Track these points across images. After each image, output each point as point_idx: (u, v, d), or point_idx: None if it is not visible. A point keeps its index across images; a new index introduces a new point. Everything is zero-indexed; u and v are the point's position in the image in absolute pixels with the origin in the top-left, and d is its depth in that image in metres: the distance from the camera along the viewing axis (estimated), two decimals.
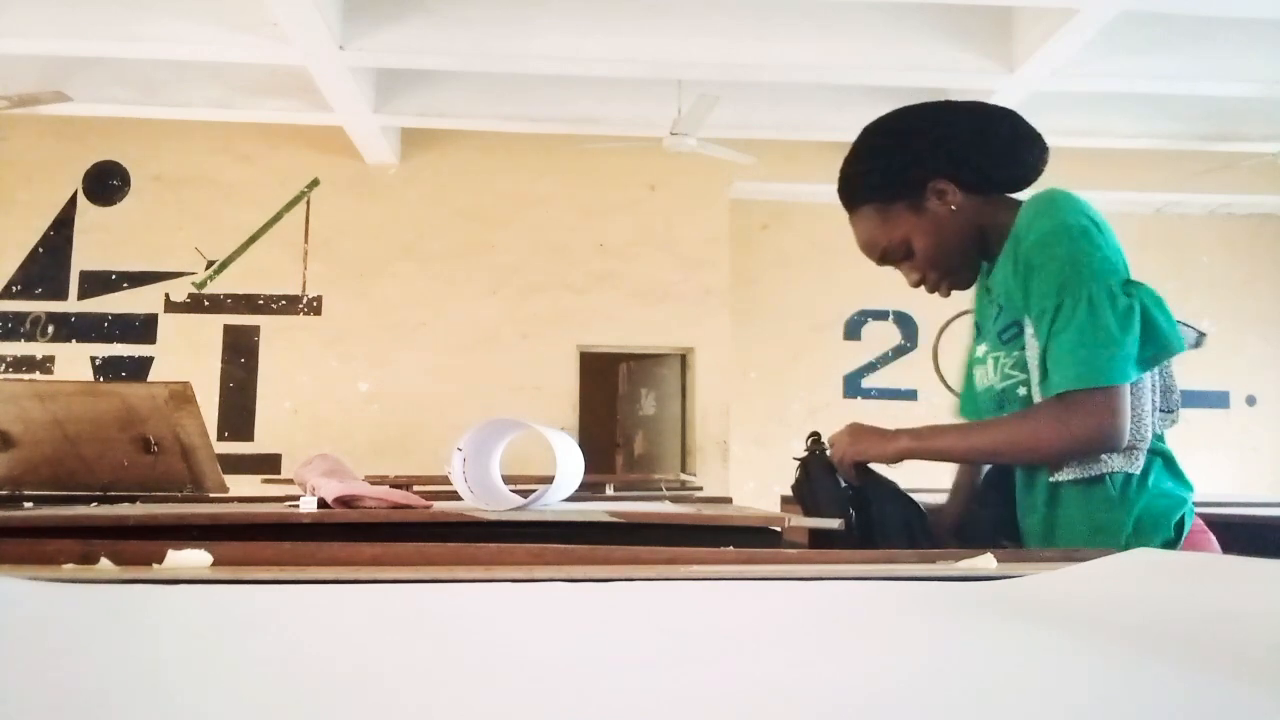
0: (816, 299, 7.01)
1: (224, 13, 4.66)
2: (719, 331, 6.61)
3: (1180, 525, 1.05)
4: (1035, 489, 1.13)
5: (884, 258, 1.20)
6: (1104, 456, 1.06)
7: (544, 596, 0.52)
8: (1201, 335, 1.14)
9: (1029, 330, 1.08)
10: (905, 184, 1.15)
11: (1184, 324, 1.10)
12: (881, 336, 7.08)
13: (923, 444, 1.12)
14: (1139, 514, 1.05)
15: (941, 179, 1.14)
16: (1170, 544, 1.04)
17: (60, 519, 1.00)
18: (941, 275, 1.18)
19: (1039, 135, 1.17)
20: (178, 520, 0.97)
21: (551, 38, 4.90)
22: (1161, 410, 1.10)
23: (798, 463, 1.20)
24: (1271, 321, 7.25)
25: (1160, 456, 1.09)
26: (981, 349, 1.20)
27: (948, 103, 1.20)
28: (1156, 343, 1.03)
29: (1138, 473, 1.06)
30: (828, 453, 1.19)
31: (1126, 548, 1.00)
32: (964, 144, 1.15)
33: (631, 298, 6.54)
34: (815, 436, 1.21)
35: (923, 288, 1.21)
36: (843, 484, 1.16)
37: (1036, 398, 1.08)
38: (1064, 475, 1.08)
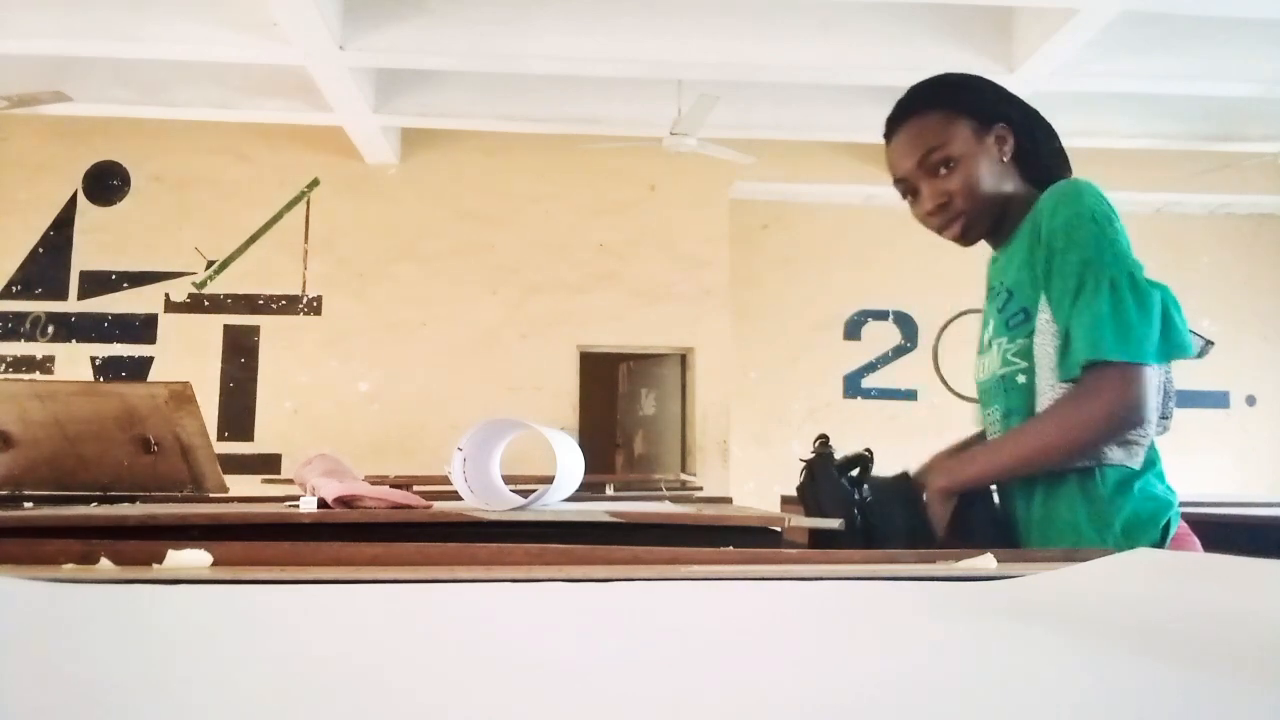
0: (816, 299, 7.01)
1: (224, 13, 4.66)
2: (719, 331, 6.61)
3: (1166, 529, 1.06)
4: (1030, 484, 1.14)
5: (922, 162, 1.18)
6: (1105, 448, 1.06)
7: (544, 596, 0.52)
8: (1208, 344, 1.14)
9: (1043, 316, 1.09)
10: (982, 109, 1.18)
11: (1193, 332, 1.11)
12: (881, 336, 7.09)
13: (957, 479, 1.12)
14: (1128, 515, 1.06)
15: (1009, 129, 1.18)
16: (1155, 547, 1.05)
17: (60, 519, 1.00)
18: (964, 208, 1.17)
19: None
20: (178, 520, 0.97)
21: (551, 38, 4.90)
22: (1162, 415, 1.10)
23: (803, 464, 1.20)
24: (1271, 321, 7.24)
25: (1150, 463, 1.09)
26: (986, 339, 1.20)
27: None
28: (1171, 340, 1.04)
29: (1137, 468, 1.06)
30: (833, 453, 1.19)
31: (1114, 547, 1.00)
32: (1036, 124, 1.21)
33: (631, 298, 6.54)
34: (823, 439, 1.21)
35: (936, 218, 1.19)
36: (847, 486, 1.16)
37: (1039, 385, 1.09)
38: (1081, 463, 1.08)
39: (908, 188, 1.21)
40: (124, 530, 0.93)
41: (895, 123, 1.22)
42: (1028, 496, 1.14)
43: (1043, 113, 1.24)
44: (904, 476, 1.18)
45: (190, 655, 0.36)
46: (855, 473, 1.19)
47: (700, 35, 4.95)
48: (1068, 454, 1.07)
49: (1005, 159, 1.18)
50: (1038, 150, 1.20)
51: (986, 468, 1.12)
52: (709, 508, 1.38)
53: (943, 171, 1.17)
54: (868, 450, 1.20)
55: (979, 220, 1.18)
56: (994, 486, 1.18)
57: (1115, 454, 1.06)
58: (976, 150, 1.16)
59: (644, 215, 6.64)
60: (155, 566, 0.62)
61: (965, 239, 1.21)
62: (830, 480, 1.16)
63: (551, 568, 0.65)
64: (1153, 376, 1.03)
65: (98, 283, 6.33)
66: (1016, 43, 4.89)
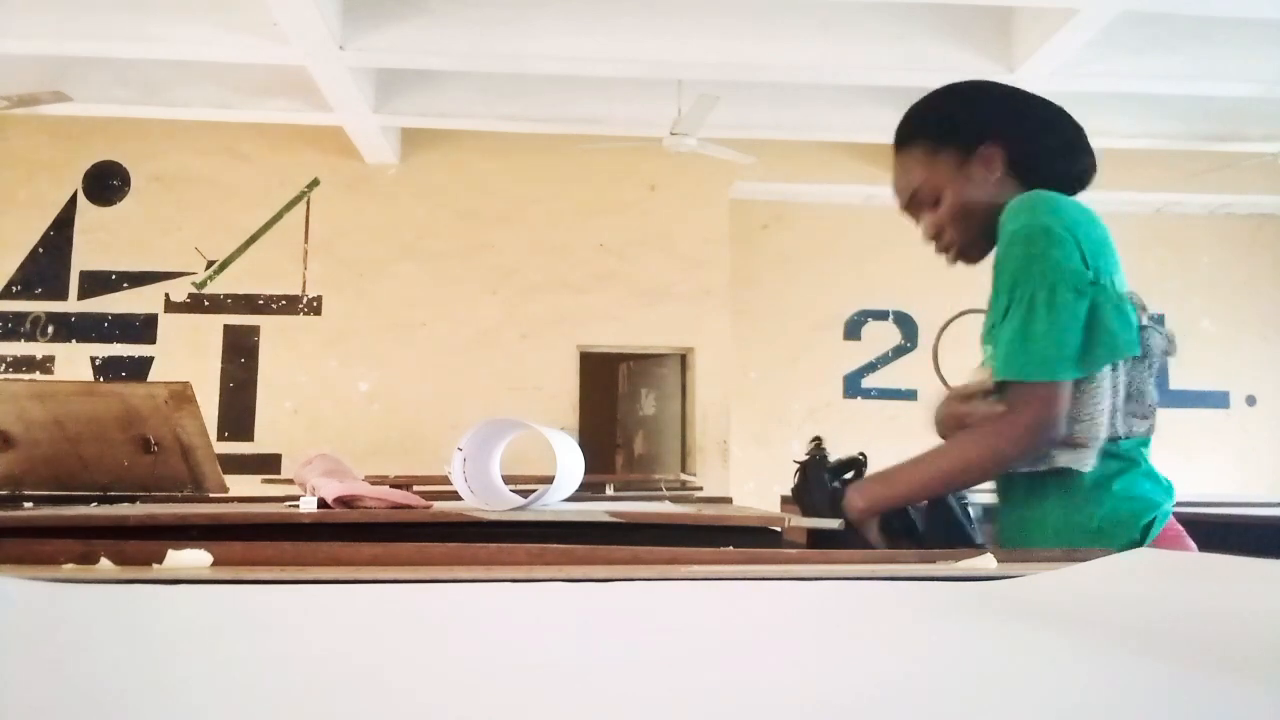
0: (816, 299, 7.01)
1: (224, 13, 4.66)
2: (719, 331, 6.61)
3: (1148, 529, 1.06)
4: (1011, 483, 1.16)
5: (911, 200, 1.21)
6: (1050, 453, 1.07)
7: (544, 596, 0.52)
8: (1171, 342, 1.14)
9: None
10: (960, 134, 1.18)
11: (1155, 329, 1.11)
12: (881, 336, 7.09)
13: (877, 502, 1.12)
14: (1105, 514, 1.06)
15: (995, 146, 1.17)
16: (1134, 545, 1.04)
17: (60, 519, 1.00)
18: (956, 237, 1.20)
19: (1093, 153, 1.20)
20: (178, 520, 0.97)
21: (551, 38, 4.90)
22: (1134, 415, 1.10)
23: (797, 466, 1.21)
24: (1271, 321, 7.25)
25: (1133, 463, 1.09)
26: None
27: (1028, 91, 1.24)
28: (1105, 344, 1.04)
29: (1087, 471, 1.07)
30: (827, 456, 1.19)
31: (1090, 546, 1.01)
32: (1027, 123, 1.19)
33: (631, 298, 6.54)
34: (817, 441, 1.22)
35: (934, 246, 1.23)
36: (839, 489, 1.16)
37: None
38: (1021, 468, 1.11)
39: (910, 217, 1.25)
40: (124, 530, 0.93)
41: (894, 155, 1.25)
42: (1009, 494, 1.16)
43: None
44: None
45: (190, 655, 0.36)
46: (849, 476, 1.19)
47: (700, 35, 4.95)
48: (985, 471, 1.10)
49: (995, 176, 1.17)
50: (1039, 152, 1.19)
51: (909, 488, 1.13)
52: (709, 508, 1.38)
53: (931, 205, 1.20)
54: (861, 454, 1.20)
55: (974, 244, 1.20)
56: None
57: (1061, 458, 1.07)
58: (961, 179, 1.18)
59: (644, 215, 6.64)
60: (155, 566, 0.62)
61: (966, 261, 1.23)
62: (820, 484, 1.16)
63: (551, 568, 0.65)
64: (1062, 390, 1.03)
65: (98, 283, 6.33)
66: (1016, 43, 4.89)
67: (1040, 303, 1.04)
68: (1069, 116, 1.21)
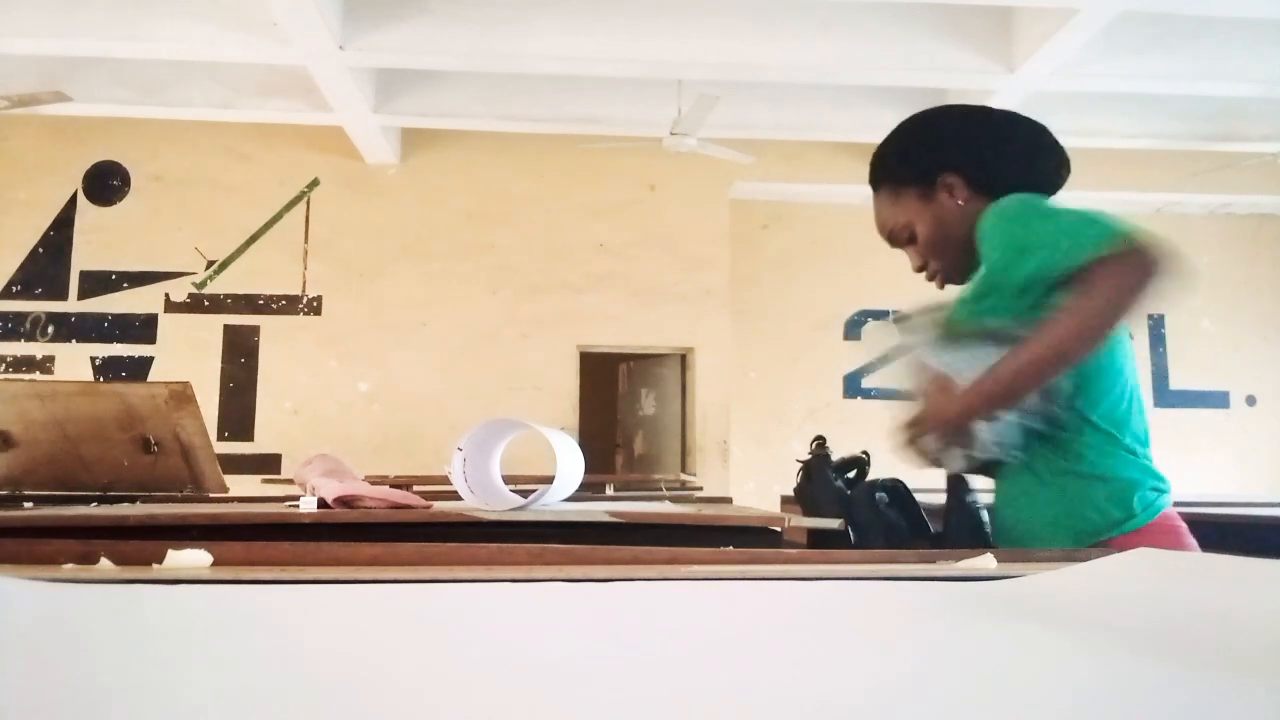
0: (816, 299, 7.01)
1: (224, 13, 4.66)
2: (719, 331, 6.61)
3: (1133, 518, 1.05)
4: (1009, 482, 1.15)
5: (891, 239, 1.26)
6: (1069, 441, 1.06)
7: (544, 596, 0.52)
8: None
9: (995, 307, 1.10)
10: (917, 172, 1.21)
11: None
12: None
13: (985, 395, 1.04)
14: (1098, 504, 1.06)
15: (952, 174, 1.19)
16: (1120, 531, 1.04)
17: (60, 519, 1.00)
18: (940, 265, 1.23)
19: (1061, 150, 1.21)
20: (178, 520, 0.97)
21: (551, 38, 4.90)
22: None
23: (800, 465, 1.21)
24: (1271, 321, 7.24)
25: (1127, 453, 1.09)
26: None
27: (981, 106, 1.27)
28: None
29: (1088, 457, 1.07)
30: (830, 455, 1.19)
31: (1074, 538, 1.02)
32: (980, 144, 1.20)
33: (631, 298, 6.54)
34: (820, 440, 1.22)
35: (923, 275, 1.26)
36: (843, 488, 1.16)
37: None
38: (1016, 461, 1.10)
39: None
40: (124, 530, 0.93)
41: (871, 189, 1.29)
42: (999, 497, 1.16)
43: (1043, 113, 1.24)
44: (876, 485, 1.17)
45: (190, 655, 0.36)
46: (852, 474, 1.19)
47: (700, 35, 4.95)
48: (1109, 323, 0.99)
49: (961, 202, 1.19)
50: (999, 165, 1.19)
51: (1031, 365, 1.02)
52: (709, 508, 1.38)
53: (909, 241, 1.24)
54: (864, 453, 1.21)
55: (956, 267, 1.22)
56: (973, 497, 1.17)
57: (1066, 450, 1.06)
58: (927, 213, 1.21)
59: (644, 215, 6.64)
60: (155, 566, 0.62)
61: (955, 283, 1.25)
62: (825, 482, 1.16)
63: (551, 568, 0.65)
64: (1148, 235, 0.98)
65: (98, 283, 6.33)
66: (1016, 43, 4.89)
67: (1058, 209, 1.05)
68: (1027, 122, 1.23)
